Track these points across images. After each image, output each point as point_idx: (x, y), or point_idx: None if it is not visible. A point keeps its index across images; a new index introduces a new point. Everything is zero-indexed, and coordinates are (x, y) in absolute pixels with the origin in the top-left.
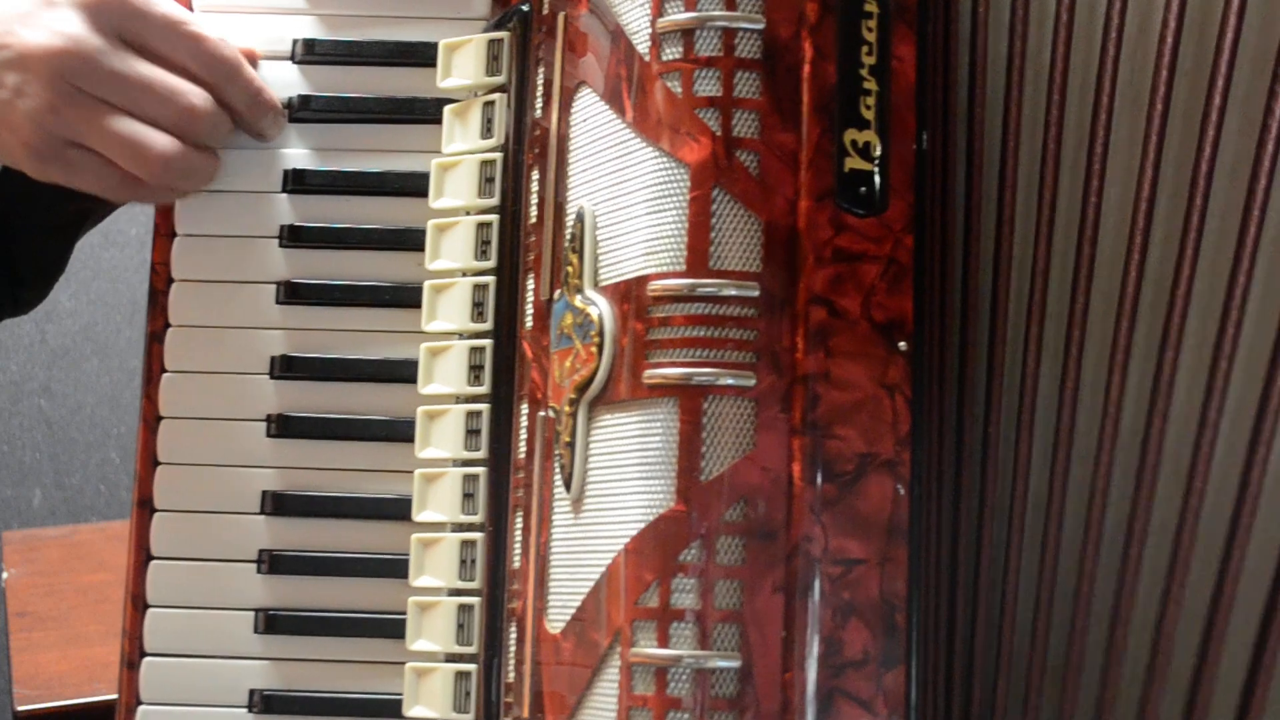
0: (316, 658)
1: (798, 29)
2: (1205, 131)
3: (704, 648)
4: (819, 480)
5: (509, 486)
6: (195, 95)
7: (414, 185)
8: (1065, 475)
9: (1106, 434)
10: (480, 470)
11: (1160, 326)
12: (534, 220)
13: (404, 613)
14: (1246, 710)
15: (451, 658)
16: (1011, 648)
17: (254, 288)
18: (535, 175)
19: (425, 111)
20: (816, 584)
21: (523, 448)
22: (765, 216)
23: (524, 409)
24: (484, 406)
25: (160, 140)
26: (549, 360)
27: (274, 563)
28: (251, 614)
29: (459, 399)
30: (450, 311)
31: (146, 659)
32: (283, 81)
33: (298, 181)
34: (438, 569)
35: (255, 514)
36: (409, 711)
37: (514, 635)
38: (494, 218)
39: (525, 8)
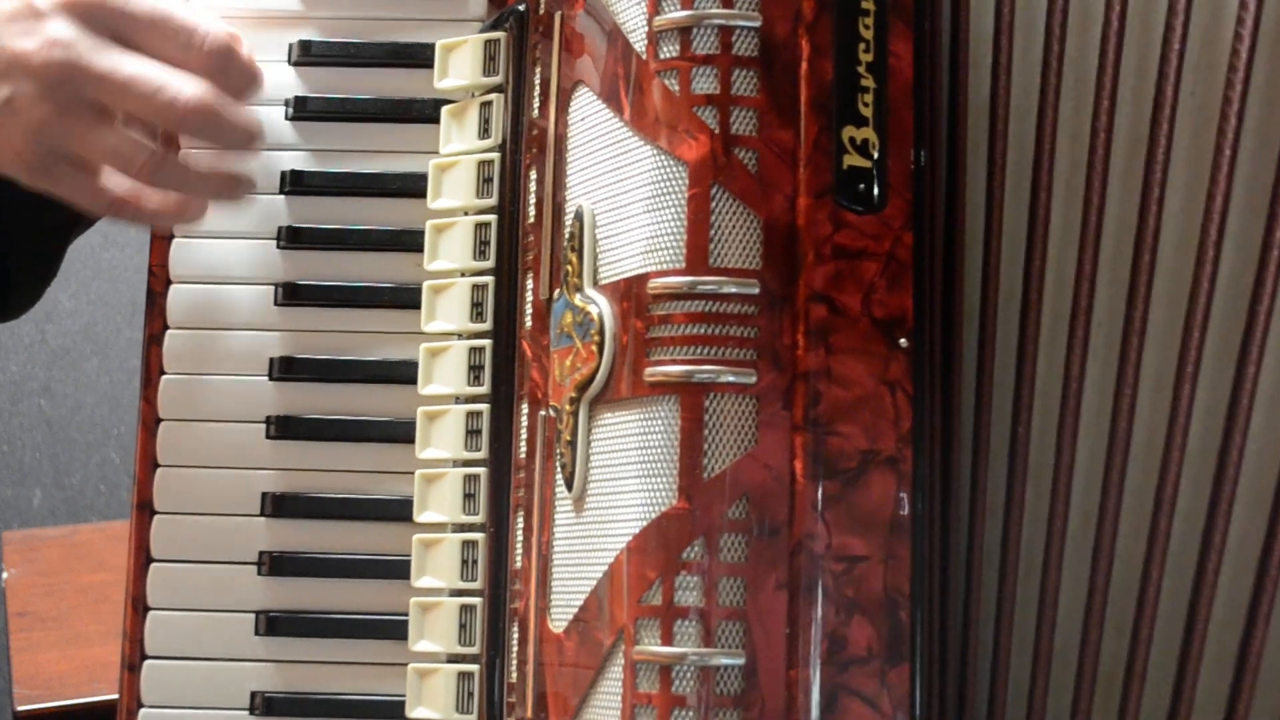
0: (318, 659)
1: (795, 26)
2: (1226, 118)
3: (708, 645)
4: (821, 477)
5: (510, 486)
6: (184, 87)
7: (412, 186)
8: (1070, 471)
9: (1120, 430)
10: (481, 470)
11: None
12: (532, 220)
13: (405, 614)
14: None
15: (454, 658)
16: (1011, 644)
17: (252, 289)
18: (533, 175)
19: (422, 112)
20: (820, 581)
21: (523, 447)
22: (764, 214)
23: (524, 409)
24: (484, 406)
25: (145, 150)
26: (549, 359)
27: (274, 564)
28: (252, 616)
29: (459, 399)
30: (449, 312)
31: (147, 661)
32: (280, 84)
33: (295, 183)
34: (439, 570)
35: (255, 516)
36: (411, 713)
37: (516, 635)
38: (492, 218)
39: (521, 8)
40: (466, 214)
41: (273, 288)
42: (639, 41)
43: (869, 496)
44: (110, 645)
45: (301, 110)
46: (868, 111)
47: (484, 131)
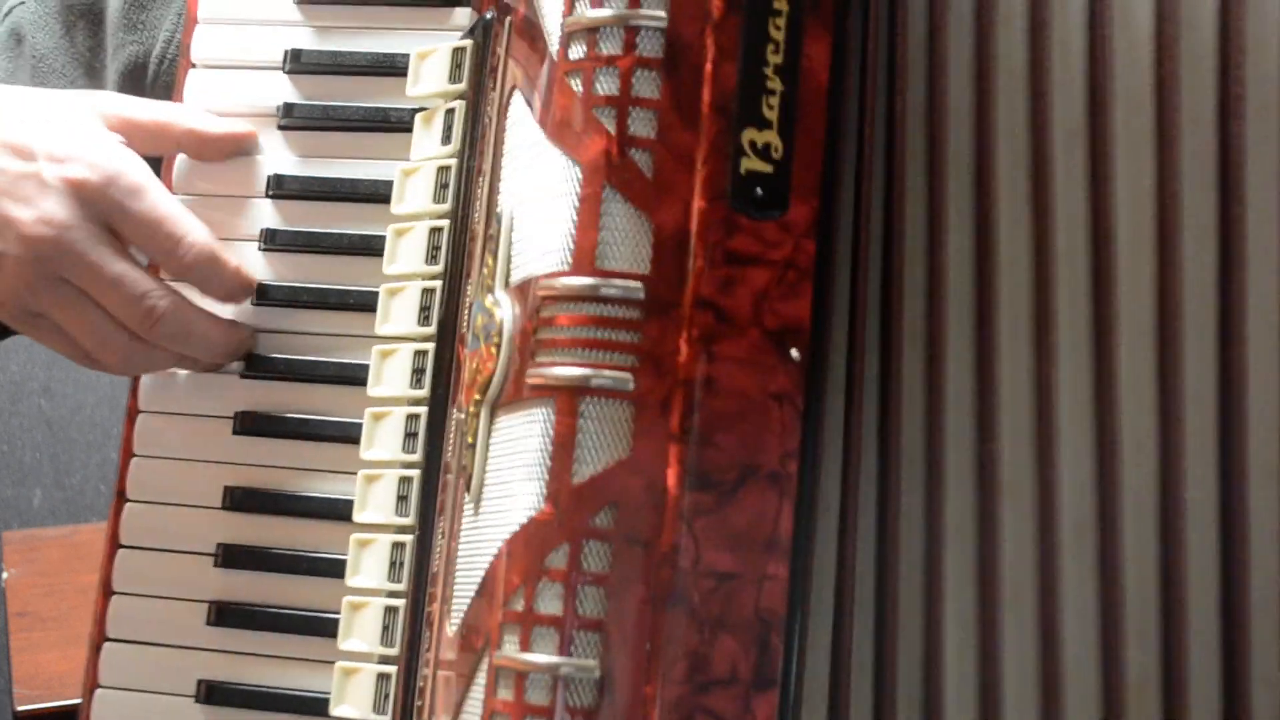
0: (261, 652)
1: (702, 26)
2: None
3: (563, 654)
4: (695, 489)
5: (437, 489)
6: (161, 300)
7: (384, 192)
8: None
9: (1107, 431)
10: (415, 473)
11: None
12: (476, 224)
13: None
14: None
15: (380, 659)
16: (894, 674)
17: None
18: (481, 180)
19: (401, 120)
20: (685, 596)
21: (449, 451)
22: (656, 217)
23: (454, 412)
24: (422, 409)
25: (120, 336)
26: (466, 361)
27: (228, 556)
28: (205, 605)
29: (404, 402)
30: (400, 315)
31: (106, 644)
32: (273, 90)
33: (278, 186)
34: (371, 570)
35: (217, 509)
36: (334, 710)
37: (428, 640)
38: (445, 223)
39: (489, 16)
40: (424, 219)
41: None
42: (554, 43)
43: (745, 512)
44: None
45: (289, 116)
46: (772, 115)
47: (445, 138)
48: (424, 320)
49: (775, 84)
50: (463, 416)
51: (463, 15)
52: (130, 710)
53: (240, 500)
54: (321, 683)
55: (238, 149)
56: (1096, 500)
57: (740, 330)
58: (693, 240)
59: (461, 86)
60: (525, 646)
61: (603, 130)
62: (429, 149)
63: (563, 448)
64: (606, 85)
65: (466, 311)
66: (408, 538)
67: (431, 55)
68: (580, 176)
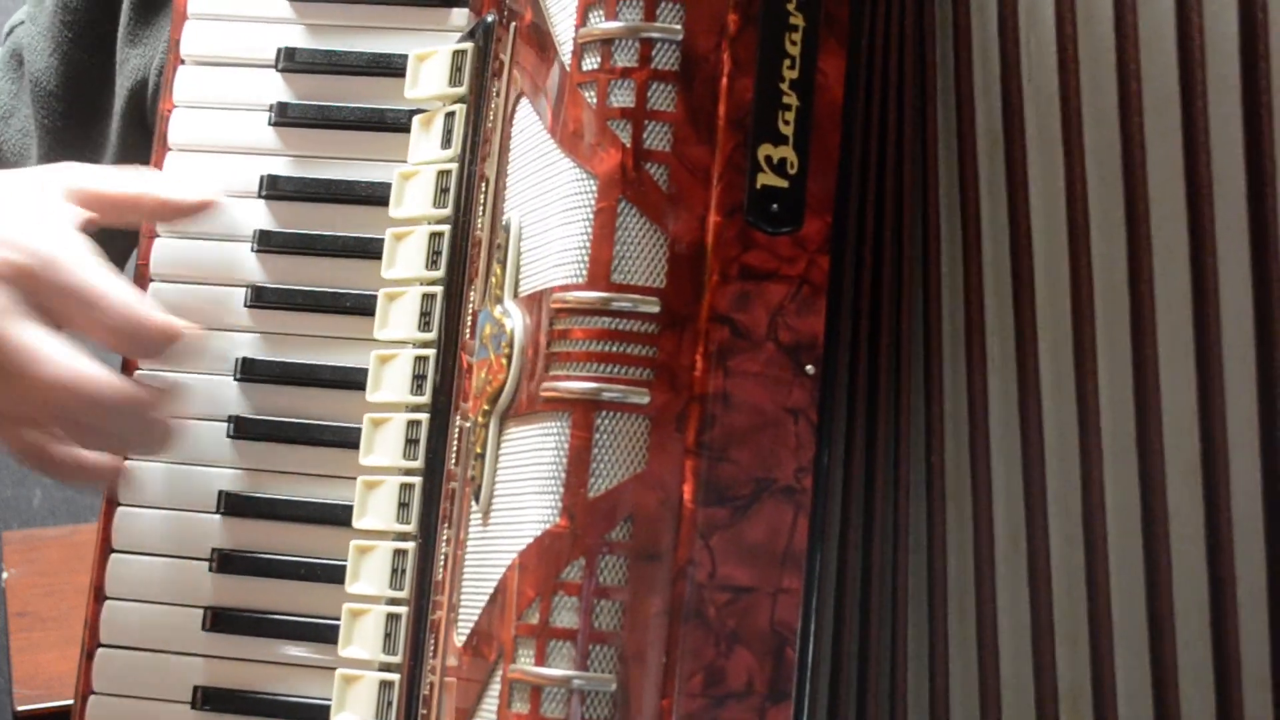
0: (259, 658)
1: (718, 40)
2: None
3: (580, 668)
4: (710, 504)
5: (440, 497)
6: (63, 370)
7: (381, 194)
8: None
9: (1032, 438)
10: (416, 480)
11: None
12: (479, 231)
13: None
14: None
15: (381, 666)
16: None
17: (226, 291)
18: (483, 186)
19: (397, 122)
20: (701, 610)
21: (453, 459)
22: (672, 231)
23: (457, 420)
24: (423, 416)
25: (33, 435)
26: (474, 370)
27: (224, 562)
28: (200, 611)
29: (405, 408)
30: (400, 320)
31: (100, 649)
32: (265, 89)
33: (271, 187)
34: (371, 577)
35: (212, 513)
36: (335, 717)
37: (433, 648)
38: (446, 228)
39: (490, 20)
40: (424, 223)
41: (244, 290)
42: (566, 53)
43: (760, 526)
44: None
45: (283, 116)
46: (788, 130)
47: (445, 142)
48: (424, 326)
49: (791, 99)
50: (468, 425)
51: (460, 16)
52: (125, 717)
53: (235, 504)
54: (319, 689)
55: (205, 216)
56: (1024, 508)
57: (756, 345)
58: (708, 255)
59: (462, 90)
60: (540, 660)
61: (618, 143)
62: (428, 152)
63: (578, 461)
64: (622, 97)
65: (470, 318)
66: (409, 545)
67: (431, 57)
68: (595, 189)
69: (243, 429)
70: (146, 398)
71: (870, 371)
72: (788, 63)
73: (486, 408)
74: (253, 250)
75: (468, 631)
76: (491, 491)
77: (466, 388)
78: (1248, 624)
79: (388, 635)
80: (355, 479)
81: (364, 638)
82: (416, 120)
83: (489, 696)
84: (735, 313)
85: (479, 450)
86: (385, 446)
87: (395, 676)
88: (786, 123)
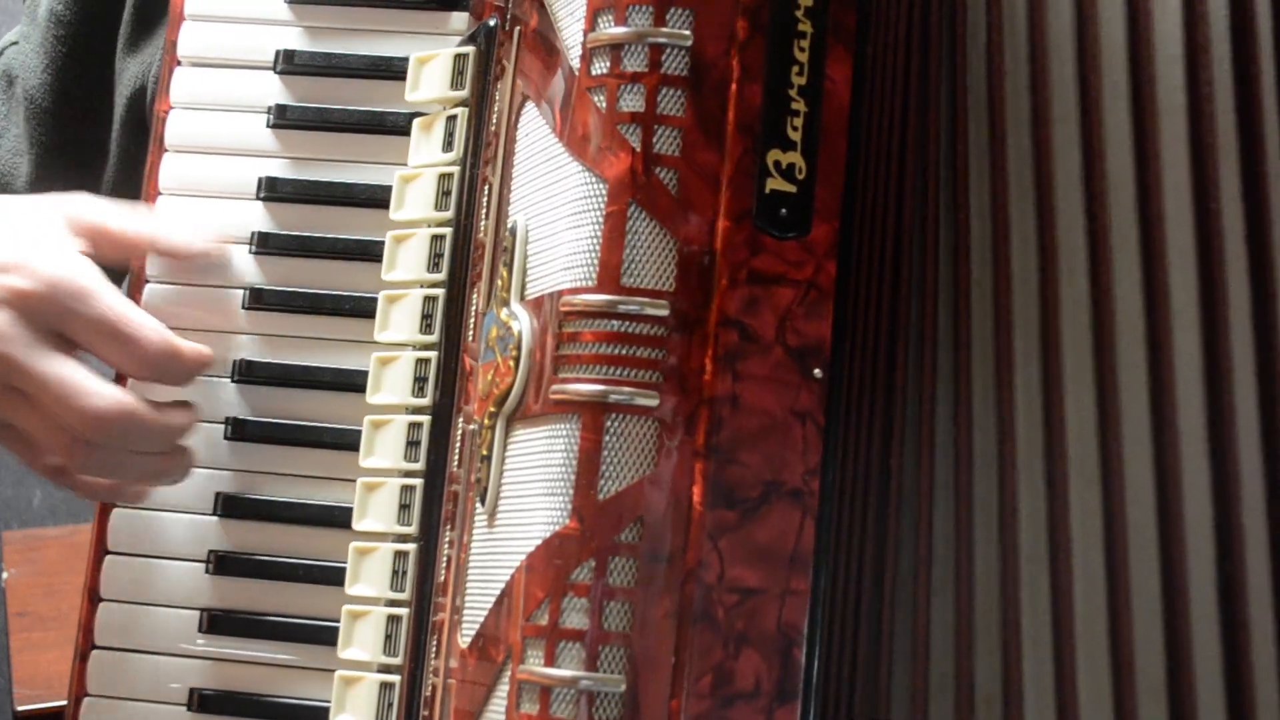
0: (255, 660)
1: (727, 47)
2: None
3: (590, 669)
4: (719, 506)
5: (442, 499)
6: (102, 400)
7: (380, 197)
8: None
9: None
10: (417, 482)
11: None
12: (483, 234)
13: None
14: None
15: (381, 668)
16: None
17: (223, 292)
18: (487, 189)
19: (397, 124)
20: (709, 612)
21: (455, 461)
22: (681, 235)
23: (460, 422)
24: (424, 418)
25: (54, 451)
26: (479, 373)
27: (220, 564)
28: (197, 613)
29: (406, 410)
30: (401, 323)
31: (94, 651)
32: (263, 91)
33: (270, 189)
34: (372, 579)
35: (209, 515)
36: (334, 719)
37: (434, 649)
38: (447, 231)
39: (493, 24)
40: (425, 226)
41: (242, 291)
42: (575, 57)
43: (768, 529)
44: None
45: (281, 118)
46: (796, 135)
47: (447, 145)
48: (426, 328)
49: (799, 105)
50: (473, 428)
51: (459, 20)
52: (120, 718)
53: (231, 507)
54: (316, 691)
55: (208, 265)
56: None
57: (764, 349)
58: (717, 259)
59: (464, 93)
60: (550, 661)
61: (628, 147)
62: (429, 155)
63: (588, 463)
64: (631, 102)
65: (474, 321)
66: (410, 547)
67: (432, 60)
68: (605, 193)
69: (240, 431)
70: (184, 421)
71: (876, 375)
72: (796, 69)
73: (493, 410)
74: (251, 253)
75: (473, 633)
76: (498, 493)
77: (470, 390)
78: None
79: (388, 637)
80: (353, 481)
81: (364, 639)
82: (416, 123)
83: (496, 698)
84: (744, 316)
85: (485, 452)
86: (386, 448)
87: (396, 678)
88: (795, 129)
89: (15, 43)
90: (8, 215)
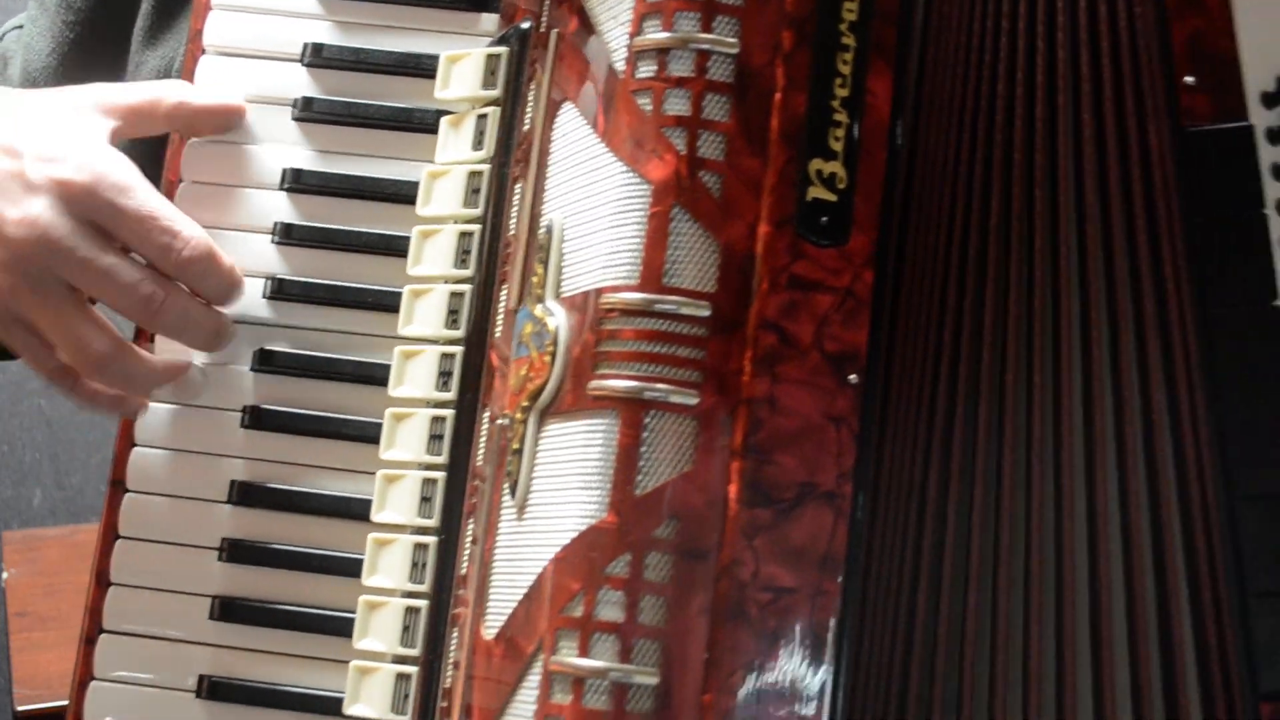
0: (266, 649)
1: (772, 56)
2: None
3: (624, 661)
4: (755, 505)
5: (465, 492)
6: (157, 285)
7: (406, 192)
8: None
9: (1034, 475)
10: (439, 475)
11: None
12: (513, 232)
13: (355, 611)
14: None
15: (397, 659)
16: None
17: (245, 281)
18: (518, 188)
19: (424, 121)
20: (743, 609)
21: (481, 454)
22: (723, 238)
23: (486, 417)
24: (448, 412)
25: (100, 344)
26: (510, 368)
27: (234, 551)
28: (208, 600)
29: (428, 403)
30: (426, 317)
31: (103, 635)
32: (290, 83)
33: (295, 180)
34: (390, 570)
35: (223, 503)
36: (349, 709)
37: (455, 640)
38: (476, 227)
39: (526, 26)
40: (453, 222)
41: (264, 281)
42: (619, 60)
43: (802, 529)
44: None
45: (307, 110)
46: (838, 146)
47: (477, 143)
48: (452, 324)
49: (841, 116)
50: (501, 422)
51: (489, 21)
52: (125, 703)
53: (246, 495)
54: (328, 681)
55: (227, 123)
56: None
57: (802, 353)
58: (758, 263)
59: (495, 93)
60: (584, 652)
61: (673, 150)
62: (458, 153)
63: (626, 458)
64: (677, 106)
65: (501, 317)
66: (431, 539)
67: (463, 59)
68: (648, 194)
69: (258, 420)
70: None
71: (910, 384)
72: (839, 81)
73: (526, 404)
74: (273, 242)
75: (499, 625)
76: (529, 487)
77: (497, 385)
78: None
79: (406, 628)
80: (368, 474)
81: (381, 630)
82: (445, 121)
83: (525, 688)
84: (783, 321)
85: (516, 446)
86: (408, 441)
87: (413, 669)
88: (837, 139)
89: (19, 27)
90: (43, 107)
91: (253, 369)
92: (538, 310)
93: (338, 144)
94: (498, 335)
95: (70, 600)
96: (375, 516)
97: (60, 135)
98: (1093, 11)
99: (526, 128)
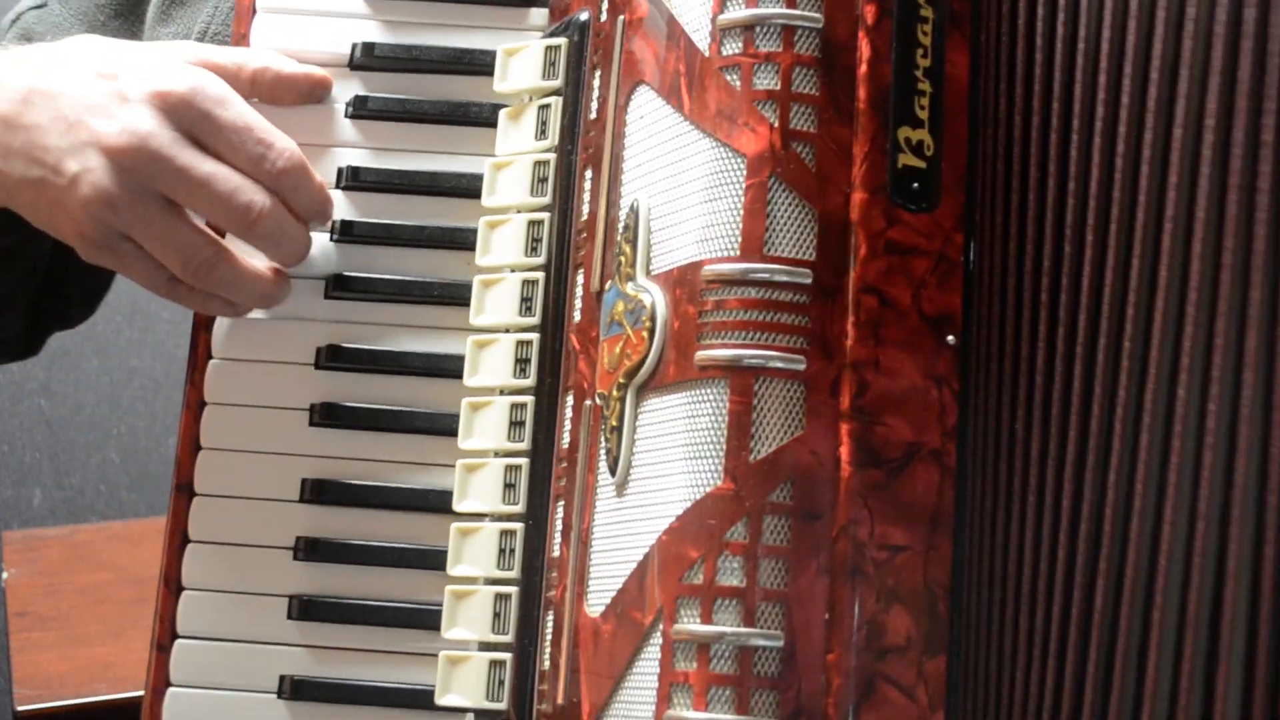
0: (348, 646)
1: (855, 29)
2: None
3: (748, 625)
4: (866, 466)
5: (550, 477)
6: (255, 194)
7: (465, 186)
8: (1096, 470)
9: (1142, 431)
10: (523, 461)
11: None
12: (585, 218)
13: (436, 604)
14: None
15: (485, 646)
16: (1044, 642)
17: (302, 280)
18: (588, 174)
19: (480, 116)
20: (861, 568)
21: (566, 438)
22: (820, 206)
23: (569, 400)
24: (528, 398)
25: (205, 251)
26: (597, 350)
27: (310, 549)
28: (285, 600)
29: (504, 391)
30: (498, 306)
31: (179, 641)
32: (341, 83)
33: (353, 178)
34: (476, 558)
35: (294, 501)
36: (440, 699)
37: (551, 624)
38: (545, 215)
39: (583, 17)
40: (520, 211)
41: (323, 280)
42: (702, 40)
43: (913, 488)
44: (110, 645)
45: (362, 109)
46: (923, 114)
47: (540, 133)
48: (526, 311)
49: (925, 86)
50: (590, 403)
51: (538, 16)
52: (206, 708)
53: (318, 492)
54: (412, 675)
55: (312, 93)
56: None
57: (902, 315)
58: (854, 230)
59: (556, 83)
60: (707, 618)
61: (766, 123)
62: (521, 144)
63: (738, 426)
64: (766, 80)
65: (579, 302)
66: (518, 525)
67: (522, 52)
68: (743, 167)
69: (328, 416)
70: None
71: (1003, 345)
72: (920, 52)
73: (622, 381)
74: (333, 239)
75: (604, 602)
76: (630, 462)
77: (581, 368)
78: None
79: (497, 615)
80: (442, 466)
81: (470, 619)
82: (503, 114)
83: (644, 659)
84: (882, 285)
85: (615, 424)
86: (487, 430)
87: (506, 655)
88: (922, 108)
89: (41, 5)
90: (138, 46)
91: (318, 366)
92: (629, 289)
93: (391, 140)
94: (576, 319)
95: (70, 600)
96: (458, 506)
97: (156, 58)
98: None
99: (593, 116)
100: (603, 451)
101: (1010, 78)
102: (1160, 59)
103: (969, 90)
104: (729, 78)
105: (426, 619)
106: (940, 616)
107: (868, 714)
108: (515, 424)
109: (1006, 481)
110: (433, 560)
